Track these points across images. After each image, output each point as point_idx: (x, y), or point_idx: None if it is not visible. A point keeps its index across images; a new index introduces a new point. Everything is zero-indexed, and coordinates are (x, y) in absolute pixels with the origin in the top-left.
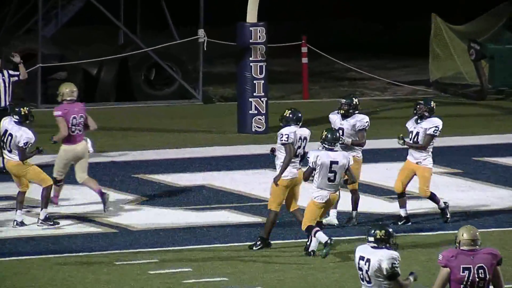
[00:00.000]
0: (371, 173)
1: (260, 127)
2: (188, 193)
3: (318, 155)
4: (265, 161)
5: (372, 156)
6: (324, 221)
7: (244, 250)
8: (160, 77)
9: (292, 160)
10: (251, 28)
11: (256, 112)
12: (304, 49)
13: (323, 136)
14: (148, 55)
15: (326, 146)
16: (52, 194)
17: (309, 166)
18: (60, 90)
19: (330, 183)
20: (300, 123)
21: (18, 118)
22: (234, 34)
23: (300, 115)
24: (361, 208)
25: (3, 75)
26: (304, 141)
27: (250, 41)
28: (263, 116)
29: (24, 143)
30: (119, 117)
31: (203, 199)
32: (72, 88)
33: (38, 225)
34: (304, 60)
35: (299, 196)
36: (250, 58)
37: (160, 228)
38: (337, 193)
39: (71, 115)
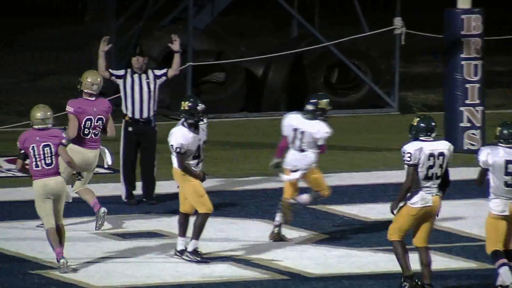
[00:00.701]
0: None
1: (474, 144)
2: (380, 230)
3: (489, 152)
4: (481, 189)
5: None
6: None
7: None
8: (344, 79)
9: (424, 184)
10: (463, 16)
11: (469, 125)
12: None
13: (498, 133)
14: (329, 51)
15: (502, 144)
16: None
17: (480, 167)
18: (82, 77)
19: (508, 188)
20: (433, 135)
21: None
22: (440, 24)
23: (431, 124)
24: None
25: (147, 77)
26: (441, 158)
27: (462, 32)
28: (478, 130)
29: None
30: None
31: None
32: (94, 78)
33: (184, 257)
34: None
35: (431, 231)
36: (462, 55)
37: (344, 275)
38: None
39: (86, 115)
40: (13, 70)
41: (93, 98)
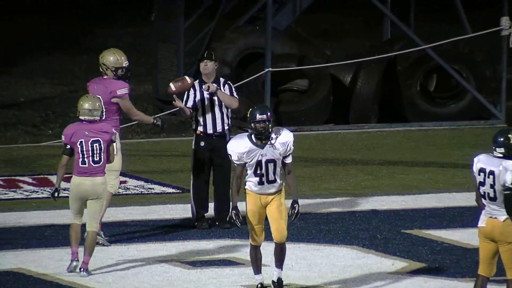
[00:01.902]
0: None
1: None
2: None
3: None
4: None
5: None
6: None
7: None
8: (444, 87)
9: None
10: None
11: None
12: None
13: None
14: (426, 55)
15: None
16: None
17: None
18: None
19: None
20: (501, 149)
21: None
22: None
23: (499, 138)
24: None
25: (218, 87)
26: (491, 176)
27: None
28: None
29: None
30: (381, 145)
31: None
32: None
33: None
34: None
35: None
36: None
37: None
38: None
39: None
40: (70, 76)
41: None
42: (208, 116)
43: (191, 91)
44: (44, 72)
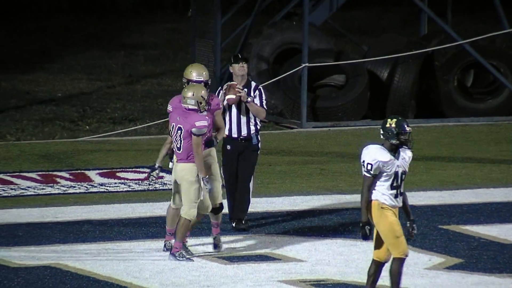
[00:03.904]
0: None
1: None
2: None
3: None
4: None
5: None
6: None
7: None
8: (481, 82)
9: None
10: None
11: None
12: None
13: None
14: (463, 51)
15: None
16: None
17: None
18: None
19: None
20: None
21: None
22: None
23: None
24: None
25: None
26: None
27: None
28: None
29: None
30: (418, 140)
31: None
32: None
33: None
34: None
35: None
36: None
37: None
38: None
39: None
40: (107, 72)
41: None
42: (234, 120)
43: (221, 93)
44: (82, 68)
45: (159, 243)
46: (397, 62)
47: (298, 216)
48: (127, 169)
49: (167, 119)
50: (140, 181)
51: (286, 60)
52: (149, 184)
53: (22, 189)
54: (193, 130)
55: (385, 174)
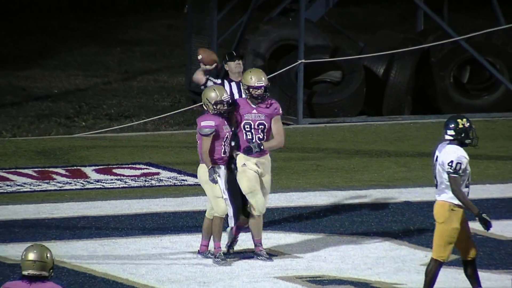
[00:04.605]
0: None
1: None
2: None
3: None
4: None
5: None
6: None
7: None
8: (477, 79)
9: None
10: None
11: None
12: None
13: None
14: (459, 47)
15: None
16: None
17: None
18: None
19: None
20: None
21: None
22: None
23: None
24: None
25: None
26: None
27: None
28: None
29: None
30: (414, 137)
31: None
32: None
33: None
34: None
35: None
36: None
37: None
38: None
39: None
40: (104, 68)
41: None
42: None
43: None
44: (78, 64)
45: (155, 240)
46: (393, 58)
47: (294, 212)
48: (123, 166)
49: (163, 115)
50: (136, 177)
51: (282, 56)
52: (146, 181)
53: (18, 185)
54: (198, 129)
55: (467, 172)
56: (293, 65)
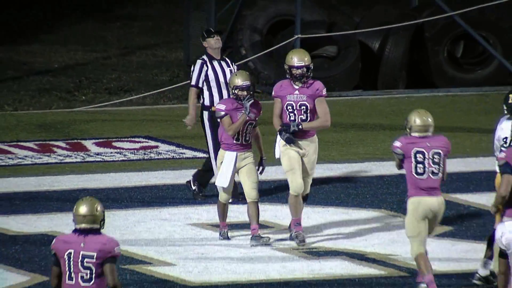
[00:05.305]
0: None
1: None
2: None
3: None
4: None
5: None
6: None
7: None
8: (470, 53)
9: None
10: None
11: None
12: None
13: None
14: (453, 22)
15: None
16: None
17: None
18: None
19: None
20: None
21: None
22: None
23: None
24: None
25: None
26: None
27: None
28: None
29: None
30: (409, 110)
31: None
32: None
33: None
34: None
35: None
36: None
37: (471, 271)
38: None
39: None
40: (103, 43)
41: None
42: (215, 93)
43: (204, 68)
44: (77, 39)
45: (155, 212)
46: (388, 34)
47: None
48: (123, 139)
49: (162, 89)
50: (135, 151)
51: (279, 32)
52: (145, 154)
53: (20, 158)
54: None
55: None
56: (289, 40)
